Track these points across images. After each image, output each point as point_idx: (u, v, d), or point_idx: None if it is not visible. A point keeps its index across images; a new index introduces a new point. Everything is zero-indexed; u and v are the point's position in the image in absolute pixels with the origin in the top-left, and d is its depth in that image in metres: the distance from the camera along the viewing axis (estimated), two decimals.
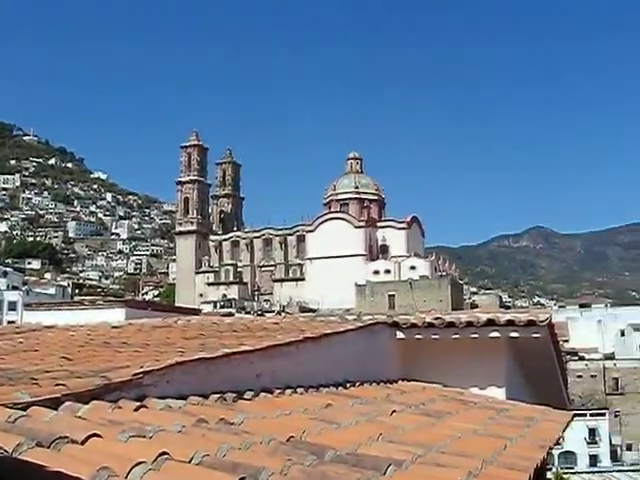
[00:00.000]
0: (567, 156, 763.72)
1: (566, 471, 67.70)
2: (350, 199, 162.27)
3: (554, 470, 61.91)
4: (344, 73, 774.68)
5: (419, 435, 5.86)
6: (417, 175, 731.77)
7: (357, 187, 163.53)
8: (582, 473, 73.31)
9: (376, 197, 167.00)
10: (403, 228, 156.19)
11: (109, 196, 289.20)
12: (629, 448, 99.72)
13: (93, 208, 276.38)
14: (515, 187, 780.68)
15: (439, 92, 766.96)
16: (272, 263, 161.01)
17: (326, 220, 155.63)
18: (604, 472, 75.12)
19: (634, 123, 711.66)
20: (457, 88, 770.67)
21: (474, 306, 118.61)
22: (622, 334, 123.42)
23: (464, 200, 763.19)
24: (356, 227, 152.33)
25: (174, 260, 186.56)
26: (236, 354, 6.55)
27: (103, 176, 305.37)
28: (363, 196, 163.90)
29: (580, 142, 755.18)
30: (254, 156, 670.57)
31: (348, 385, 8.22)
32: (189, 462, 3.74)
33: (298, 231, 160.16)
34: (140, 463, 3.40)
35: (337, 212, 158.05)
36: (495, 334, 10.32)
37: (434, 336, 10.50)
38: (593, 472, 75.13)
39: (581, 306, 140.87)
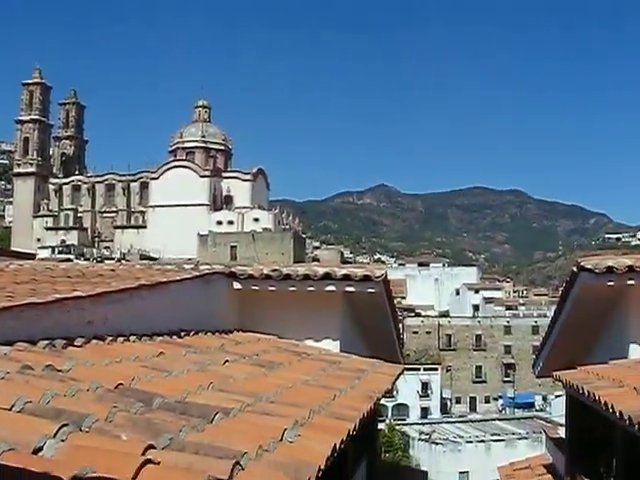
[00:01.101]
0: (412, 115, 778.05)
1: (399, 422, 69.82)
2: (196, 148, 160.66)
3: (387, 422, 63.77)
4: (196, 17, 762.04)
5: (250, 385, 5.92)
6: (265, 127, 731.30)
7: (204, 136, 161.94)
8: (413, 424, 75.80)
9: (223, 147, 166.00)
10: (248, 180, 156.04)
11: None
12: (458, 401, 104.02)
13: None
14: (360, 144, 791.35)
15: (289, 39, 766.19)
16: (114, 209, 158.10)
17: (171, 168, 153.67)
18: (434, 423, 77.96)
19: (476, 91, 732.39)
20: (309, 33, 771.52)
21: (316, 260, 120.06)
22: (457, 293, 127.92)
23: (310, 155, 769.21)
24: (201, 176, 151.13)
25: (11, 203, 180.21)
26: (67, 300, 6.41)
27: None
28: (210, 145, 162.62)
29: (423, 104, 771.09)
30: (99, 98, 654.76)
31: (182, 334, 8.20)
32: (10, 409, 3.65)
33: (142, 178, 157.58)
34: None
35: (182, 160, 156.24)
36: (331, 288, 10.47)
37: (271, 288, 10.58)
38: (424, 423, 77.81)
39: (420, 265, 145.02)
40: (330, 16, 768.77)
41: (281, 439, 4.12)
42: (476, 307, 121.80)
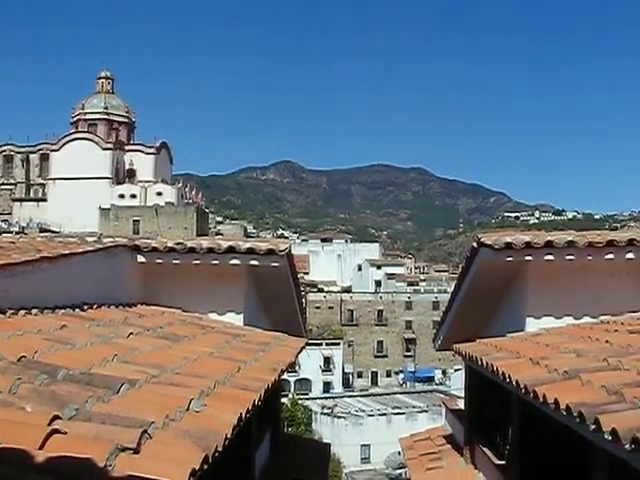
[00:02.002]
0: (318, 91, 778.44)
1: (301, 397, 70.31)
2: (99, 120, 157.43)
3: (290, 396, 64.19)
4: None
5: (155, 357, 5.92)
6: (169, 99, 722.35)
7: (107, 108, 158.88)
8: (316, 399, 76.62)
9: (126, 119, 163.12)
10: (152, 153, 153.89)
11: None
12: (360, 375, 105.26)
13: None
14: (265, 119, 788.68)
15: (195, 7, 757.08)
16: (12, 182, 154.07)
17: (72, 140, 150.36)
18: (336, 397, 79.00)
19: (381, 64, 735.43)
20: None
21: (219, 235, 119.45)
22: (359, 269, 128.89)
23: (214, 129, 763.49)
24: (103, 149, 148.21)
25: None
26: None
27: None
28: (113, 117, 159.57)
29: (329, 80, 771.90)
30: None
31: (85, 307, 8.11)
32: None
33: (42, 149, 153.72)
34: None
35: (84, 132, 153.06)
36: (235, 261, 10.47)
37: (175, 261, 10.52)
38: (326, 397, 78.84)
39: (323, 240, 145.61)
40: None
41: (188, 409, 4.15)
42: (378, 283, 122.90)
